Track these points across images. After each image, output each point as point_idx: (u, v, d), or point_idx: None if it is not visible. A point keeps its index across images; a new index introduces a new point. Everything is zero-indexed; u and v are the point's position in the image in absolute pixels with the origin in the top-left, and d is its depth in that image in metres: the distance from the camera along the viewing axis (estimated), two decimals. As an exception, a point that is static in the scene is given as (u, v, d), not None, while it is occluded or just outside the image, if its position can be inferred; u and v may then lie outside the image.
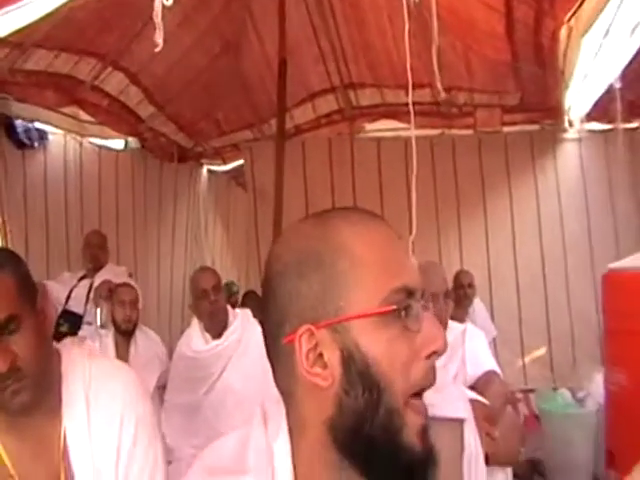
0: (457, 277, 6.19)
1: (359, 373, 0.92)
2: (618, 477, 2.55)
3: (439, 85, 3.36)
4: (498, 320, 7.17)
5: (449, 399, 1.12)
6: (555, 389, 6.62)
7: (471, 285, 6.30)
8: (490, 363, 3.52)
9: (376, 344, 0.92)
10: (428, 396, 1.04)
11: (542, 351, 7.38)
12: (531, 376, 7.32)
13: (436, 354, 0.94)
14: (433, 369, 0.94)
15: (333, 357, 0.93)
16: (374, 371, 0.91)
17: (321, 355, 0.94)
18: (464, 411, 1.13)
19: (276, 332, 0.98)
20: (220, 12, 5.51)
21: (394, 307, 0.92)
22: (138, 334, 4.54)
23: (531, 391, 6.99)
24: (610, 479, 2.62)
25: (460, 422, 1.12)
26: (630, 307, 2.55)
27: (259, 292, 6.99)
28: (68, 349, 1.61)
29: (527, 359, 7.40)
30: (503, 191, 7.55)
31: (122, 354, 4.42)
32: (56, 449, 1.50)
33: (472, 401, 2.40)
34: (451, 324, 3.60)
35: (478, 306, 6.54)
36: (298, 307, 0.95)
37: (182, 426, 3.99)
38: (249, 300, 6.59)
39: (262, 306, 1.03)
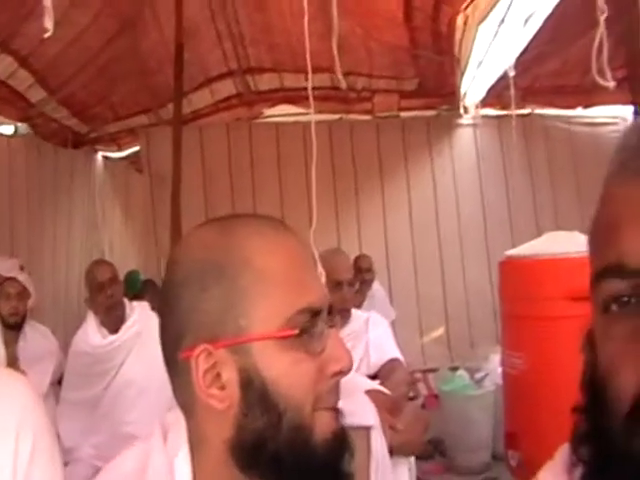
0: (356, 262, 6.21)
1: (258, 396, 0.88)
2: (518, 456, 2.62)
3: (339, 74, 3.34)
4: (397, 302, 7.29)
5: (356, 406, 1.10)
6: (454, 368, 6.79)
7: (369, 269, 6.36)
8: (393, 351, 3.57)
9: (277, 367, 0.88)
10: None
11: (440, 331, 7.57)
12: (430, 356, 7.49)
13: (341, 373, 0.90)
14: (337, 387, 0.92)
15: (231, 378, 0.89)
16: (274, 394, 0.87)
17: (219, 375, 0.89)
18: (371, 418, 1.12)
19: (174, 345, 0.93)
20: (116, -8, 5.34)
21: (296, 331, 0.87)
22: (27, 329, 4.35)
23: (430, 371, 7.14)
24: (510, 458, 2.68)
25: (367, 429, 1.11)
26: (526, 293, 2.61)
27: (157, 281, 6.91)
28: None
29: (426, 339, 7.57)
30: (400, 175, 7.67)
31: (11, 350, 4.25)
32: None
33: (374, 392, 2.43)
34: (355, 312, 3.64)
35: (377, 289, 6.60)
36: (197, 322, 0.90)
37: (80, 424, 3.88)
38: (148, 289, 6.46)
39: (160, 314, 0.97)
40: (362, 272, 6.12)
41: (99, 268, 3.97)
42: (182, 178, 6.52)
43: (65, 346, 4.31)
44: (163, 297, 0.96)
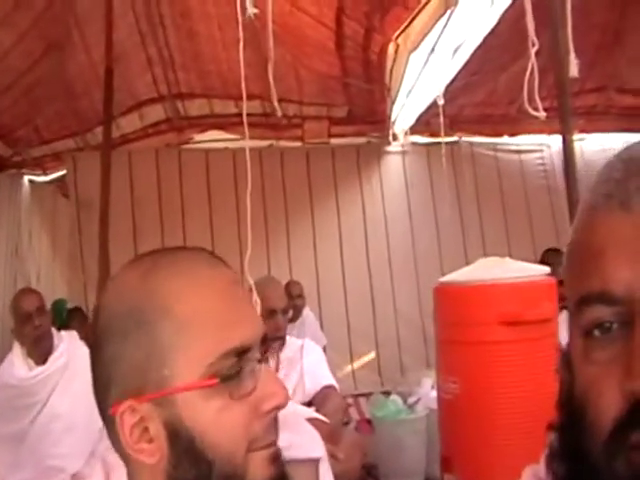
0: (286, 288, 6.19)
1: (185, 448, 0.85)
2: (452, 479, 2.64)
3: (275, 100, 3.35)
4: (327, 327, 7.30)
5: (302, 438, 1.10)
6: (385, 392, 6.82)
7: (300, 296, 6.37)
8: (328, 378, 3.57)
9: (202, 417, 0.84)
10: (283, 439, 1.00)
11: (371, 356, 7.60)
12: (360, 381, 7.52)
13: (277, 409, 0.87)
14: (275, 423, 0.89)
15: (159, 431, 0.86)
16: (201, 445, 0.84)
17: (147, 429, 0.86)
18: (319, 450, 1.12)
19: (103, 395, 0.90)
20: (42, 12, 5.23)
21: (215, 381, 0.83)
22: None
23: (361, 395, 7.17)
24: (447, 483, 2.70)
25: (315, 461, 1.10)
26: (458, 318, 2.65)
27: (84, 309, 6.76)
28: None
29: (356, 364, 7.59)
30: (330, 202, 7.71)
31: None
32: None
33: (313, 420, 2.42)
34: (289, 340, 3.64)
35: (308, 315, 6.60)
36: (122, 372, 0.87)
37: (7, 458, 3.75)
38: (75, 317, 6.32)
39: (91, 361, 0.93)
40: (293, 298, 6.10)
41: (26, 297, 3.85)
42: (110, 203, 6.42)
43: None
44: (93, 342, 0.93)
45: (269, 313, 3.43)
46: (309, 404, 3.46)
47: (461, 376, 2.61)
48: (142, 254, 0.97)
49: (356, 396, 7.12)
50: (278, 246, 7.53)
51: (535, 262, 3.31)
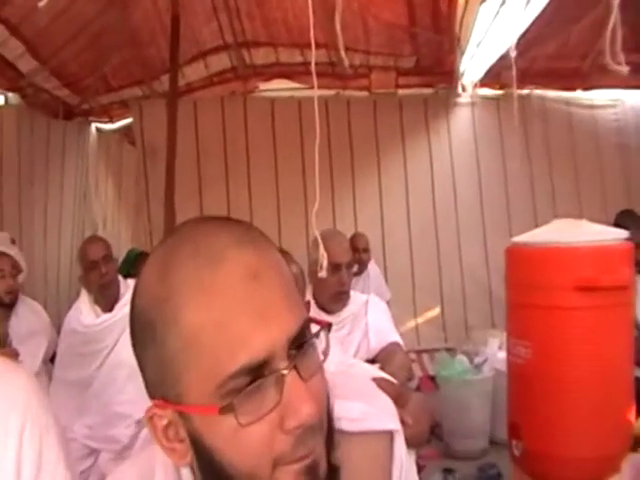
0: (351, 241, 6.13)
1: (206, 463, 0.82)
2: (521, 446, 2.58)
3: (342, 49, 3.26)
4: (391, 281, 7.23)
5: (378, 410, 1.04)
6: (449, 350, 6.78)
7: (366, 250, 6.28)
8: (393, 334, 3.51)
9: (219, 436, 0.79)
10: (355, 409, 0.98)
11: (435, 312, 7.53)
12: (424, 336, 7.48)
13: (302, 427, 0.78)
14: (304, 436, 0.79)
15: (186, 437, 0.84)
16: (220, 462, 0.80)
17: (178, 432, 0.84)
18: (394, 421, 1.05)
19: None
20: (109, -39, 5.21)
21: (218, 406, 0.76)
22: (19, 306, 4.25)
23: (424, 351, 7.14)
24: (514, 448, 2.64)
25: (390, 434, 1.03)
26: (533, 281, 2.55)
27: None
28: None
29: (420, 320, 7.53)
30: (397, 153, 7.60)
31: (2, 328, 4.15)
32: None
33: (381, 381, 2.37)
34: (354, 295, 3.57)
35: (372, 269, 6.53)
36: (147, 378, 0.85)
37: (73, 404, 3.80)
38: (142, 262, 6.37)
39: None
40: (358, 252, 6.03)
41: (93, 245, 3.86)
42: (176, 152, 6.42)
43: (57, 322, 4.23)
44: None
45: (333, 267, 3.37)
46: (373, 361, 3.42)
47: (533, 341, 2.53)
48: (173, 232, 0.88)
49: (419, 352, 7.09)
50: (343, 198, 7.49)
51: (606, 223, 3.17)
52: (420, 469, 3.86)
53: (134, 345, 0.84)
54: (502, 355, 3.90)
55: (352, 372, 2.40)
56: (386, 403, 1.10)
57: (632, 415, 2.50)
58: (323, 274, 3.07)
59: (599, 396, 2.42)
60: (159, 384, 0.82)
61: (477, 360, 4.15)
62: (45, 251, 6.69)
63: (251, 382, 0.76)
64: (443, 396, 4.14)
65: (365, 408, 1.00)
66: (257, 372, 0.76)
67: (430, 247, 7.54)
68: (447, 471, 3.62)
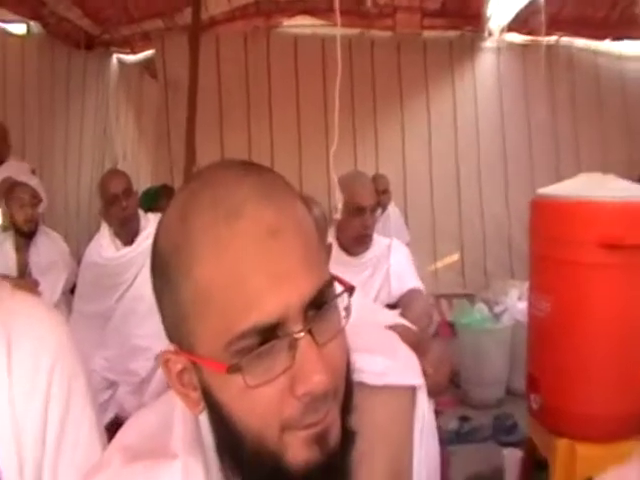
0: (372, 182, 6.06)
1: (216, 414, 0.81)
2: (539, 400, 2.57)
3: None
4: (412, 225, 7.22)
5: (400, 365, 1.02)
6: (467, 295, 6.78)
7: (386, 191, 6.23)
8: (414, 280, 3.49)
9: (227, 391, 0.77)
10: (377, 363, 0.97)
11: (454, 257, 7.51)
12: (443, 281, 7.46)
13: (310, 395, 0.74)
14: (313, 404, 0.75)
15: (198, 386, 0.82)
16: (228, 417, 0.78)
17: (192, 378, 0.82)
18: (417, 376, 1.03)
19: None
20: None
21: (225, 367, 0.73)
22: (39, 236, 4.26)
23: (443, 297, 7.14)
24: (532, 402, 2.63)
25: (412, 389, 1.02)
26: (558, 236, 2.50)
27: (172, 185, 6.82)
28: None
29: (439, 265, 7.51)
30: (420, 96, 7.50)
31: (22, 258, 4.18)
32: None
33: (400, 328, 2.35)
34: (377, 238, 3.54)
35: (393, 212, 6.49)
36: (164, 321, 0.82)
37: (93, 337, 3.83)
38: (162, 195, 6.36)
39: None
40: (378, 193, 5.95)
41: (113, 179, 3.83)
42: (198, 87, 6.35)
43: (77, 254, 4.23)
44: None
45: (357, 210, 3.33)
46: (393, 306, 3.41)
47: (555, 295, 2.50)
48: (196, 175, 0.86)
49: (437, 297, 7.08)
50: (365, 139, 7.41)
51: (631, 178, 3.11)
52: (437, 415, 3.87)
53: (153, 284, 0.82)
54: (522, 306, 3.89)
55: (374, 320, 2.39)
56: (409, 357, 1.07)
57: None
58: (337, 216, 3.05)
59: (620, 353, 2.39)
60: (173, 329, 0.80)
61: (497, 309, 4.13)
62: (65, 182, 6.69)
63: (262, 343, 0.73)
64: (461, 344, 4.14)
65: (389, 362, 0.99)
66: (269, 333, 0.73)
67: (451, 192, 7.48)
68: (463, 419, 3.63)
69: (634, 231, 2.35)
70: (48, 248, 4.25)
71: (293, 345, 0.74)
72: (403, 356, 1.06)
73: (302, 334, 0.74)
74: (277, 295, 0.73)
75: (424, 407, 1.02)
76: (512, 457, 3.04)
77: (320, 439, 0.78)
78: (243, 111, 7.31)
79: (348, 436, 0.83)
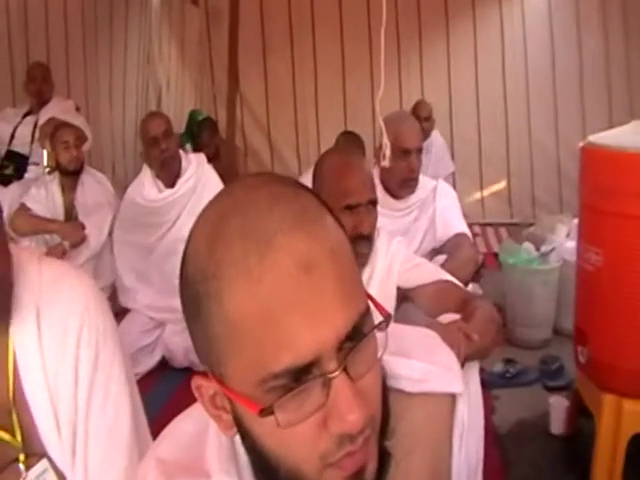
0: (415, 109, 5.90)
1: (249, 446, 0.79)
2: (587, 353, 2.53)
3: None
4: (458, 152, 7.12)
5: (440, 371, 0.99)
6: (514, 224, 6.70)
7: (428, 118, 6.01)
8: (461, 225, 3.42)
9: (260, 426, 0.74)
10: (417, 369, 0.94)
11: (502, 185, 7.38)
12: (489, 209, 7.39)
13: (345, 435, 0.72)
14: (350, 437, 0.73)
15: (231, 412, 0.80)
16: (263, 450, 0.76)
17: (225, 401, 0.80)
18: (457, 383, 1.00)
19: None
20: None
21: (259, 407, 0.70)
22: (85, 176, 4.27)
23: (489, 225, 7.06)
24: (579, 355, 2.60)
25: (453, 396, 0.99)
26: (609, 187, 2.39)
27: (214, 117, 6.79)
28: (17, 252, 1.41)
29: (486, 193, 7.40)
30: (467, 19, 7.24)
31: (68, 199, 4.21)
32: (4, 369, 1.34)
33: (448, 284, 2.31)
34: (423, 180, 3.46)
35: (437, 139, 6.31)
36: (196, 345, 0.80)
37: (135, 266, 3.94)
38: (204, 128, 6.34)
39: None
40: (420, 120, 5.77)
41: (152, 121, 3.82)
42: (239, 14, 6.24)
43: (124, 190, 4.23)
44: None
45: (402, 153, 3.24)
46: (439, 251, 3.36)
47: (605, 248, 2.41)
48: (225, 190, 0.81)
49: (483, 225, 7.00)
50: (410, 64, 7.26)
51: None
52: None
53: (183, 308, 0.79)
54: (570, 244, 3.80)
55: (418, 276, 2.35)
56: (449, 359, 1.03)
57: None
58: (386, 164, 2.97)
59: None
60: (205, 357, 0.78)
61: (544, 248, 4.03)
62: (111, 117, 6.66)
63: (295, 380, 0.70)
64: (507, 283, 4.07)
65: (427, 368, 0.96)
66: (303, 373, 0.71)
67: (498, 118, 7.28)
68: (508, 361, 3.60)
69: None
70: (94, 189, 4.28)
71: (327, 384, 0.71)
72: (443, 359, 1.03)
73: (337, 372, 0.71)
74: (312, 335, 0.70)
75: (464, 414, 1.00)
76: (558, 405, 3.01)
77: (357, 476, 0.76)
78: (286, 38, 7.21)
79: (384, 459, 0.82)
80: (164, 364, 3.86)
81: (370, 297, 0.79)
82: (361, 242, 2.25)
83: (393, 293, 2.36)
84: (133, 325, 3.78)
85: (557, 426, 3.03)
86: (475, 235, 5.84)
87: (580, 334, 2.61)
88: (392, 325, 0.80)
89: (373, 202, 2.27)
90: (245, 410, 0.74)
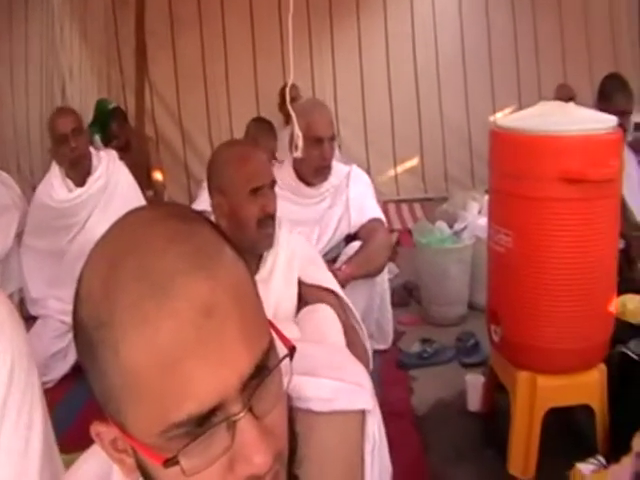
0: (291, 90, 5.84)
1: None
2: (500, 332, 2.60)
3: None
4: (370, 132, 7.32)
5: (349, 388, 1.00)
6: (428, 200, 6.80)
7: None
8: (375, 210, 3.47)
9: (165, 476, 0.71)
10: (326, 387, 0.95)
11: (414, 162, 7.48)
12: (404, 186, 7.51)
13: (252, 478, 0.71)
14: (258, 478, 0.71)
15: (134, 457, 0.77)
16: None
17: (126, 445, 0.76)
18: (366, 401, 1.01)
19: None
20: None
21: (161, 459, 0.68)
22: None
23: (404, 201, 7.16)
24: (493, 333, 2.67)
25: (362, 413, 1.00)
26: (517, 170, 2.44)
27: (123, 106, 6.63)
28: None
29: (399, 170, 7.50)
30: (377, 0, 7.25)
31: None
32: None
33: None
34: (336, 166, 3.49)
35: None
36: (93, 390, 0.75)
37: (45, 274, 3.81)
38: (114, 118, 6.20)
39: None
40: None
41: (62, 118, 3.69)
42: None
43: (31, 190, 4.10)
44: None
45: (315, 141, 3.28)
46: (354, 237, 3.39)
47: (515, 230, 2.47)
48: (118, 225, 0.77)
49: (398, 202, 7.10)
50: (322, 51, 7.30)
51: (591, 88, 3.02)
52: (399, 336, 3.94)
53: (78, 352, 0.76)
54: (482, 221, 3.88)
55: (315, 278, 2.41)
56: (358, 375, 1.05)
57: (613, 307, 2.51)
58: (298, 154, 2.99)
59: (580, 288, 2.39)
60: (103, 404, 0.74)
61: (457, 226, 4.11)
62: (13, 112, 6.42)
63: (199, 426, 0.68)
64: (421, 263, 4.13)
65: (336, 386, 0.96)
66: (206, 419, 0.68)
67: (410, 96, 7.42)
68: (425, 341, 3.67)
69: (595, 166, 2.30)
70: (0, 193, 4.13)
71: (232, 427, 0.69)
72: (352, 376, 1.04)
73: (242, 414, 0.69)
74: (214, 381, 0.68)
75: (374, 429, 1.01)
76: (474, 383, 3.08)
77: None
78: (194, 20, 7.09)
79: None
80: (77, 369, 3.75)
81: (274, 327, 0.78)
82: (269, 222, 2.38)
83: (294, 284, 2.45)
84: (45, 331, 3.66)
85: (474, 403, 3.10)
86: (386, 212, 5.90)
87: (493, 314, 2.67)
88: (300, 345, 0.79)
89: (274, 182, 2.41)
90: (148, 460, 0.72)
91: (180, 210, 0.79)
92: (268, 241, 2.41)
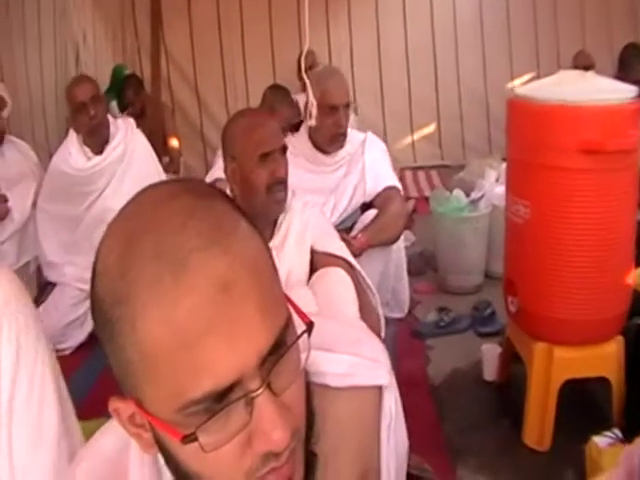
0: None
1: (173, 468, 0.77)
2: (517, 302, 2.59)
3: None
4: (387, 97, 7.24)
5: (366, 364, 0.99)
6: (445, 166, 6.77)
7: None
8: (390, 178, 3.45)
9: (182, 452, 0.72)
10: (342, 362, 0.94)
11: (431, 128, 7.42)
12: (420, 152, 7.47)
13: (270, 454, 0.71)
14: (274, 455, 0.72)
15: (151, 433, 0.77)
16: (187, 472, 0.74)
17: (144, 420, 0.77)
18: (384, 375, 1.00)
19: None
20: None
21: (181, 434, 0.69)
22: (6, 147, 4.15)
23: (420, 168, 7.12)
24: (509, 304, 2.66)
25: (379, 388, 1.00)
26: (536, 140, 2.41)
27: (138, 72, 6.59)
28: None
29: (416, 136, 7.45)
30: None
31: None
32: None
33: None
34: (351, 133, 3.48)
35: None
36: (111, 366, 0.75)
37: (61, 238, 3.82)
38: (129, 85, 6.17)
39: None
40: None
41: (80, 86, 3.67)
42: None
43: (46, 162, 4.10)
44: None
45: (330, 109, 3.28)
46: (370, 205, 3.39)
47: (533, 200, 2.44)
48: (134, 202, 0.76)
49: (415, 169, 7.06)
50: (338, 14, 7.19)
51: (611, 57, 2.97)
52: (415, 305, 3.94)
53: (96, 328, 0.75)
54: (500, 189, 3.86)
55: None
56: (375, 351, 1.03)
57: (630, 279, 2.49)
58: (313, 122, 2.98)
59: (597, 260, 2.38)
60: (121, 380, 0.75)
61: (473, 195, 4.08)
62: (27, 79, 6.36)
63: (217, 402, 0.68)
64: (438, 231, 4.11)
65: (353, 360, 0.95)
66: (224, 395, 0.69)
67: (427, 61, 7.35)
68: (442, 310, 3.66)
69: (614, 137, 2.27)
70: (16, 159, 4.15)
71: (250, 403, 0.70)
72: (369, 351, 1.02)
73: (260, 390, 0.69)
74: (232, 357, 0.68)
75: (391, 404, 1.00)
76: (491, 353, 3.08)
77: None
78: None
79: (311, 462, 0.83)
80: (94, 336, 3.75)
81: (291, 303, 0.77)
82: (280, 186, 2.41)
83: (307, 252, 2.46)
84: (62, 298, 3.69)
85: (490, 373, 3.11)
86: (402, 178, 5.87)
87: (510, 285, 2.66)
88: (316, 320, 0.79)
89: (284, 148, 2.43)
90: (167, 435, 0.72)
91: (196, 185, 0.78)
92: (279, 207, 2.45)
